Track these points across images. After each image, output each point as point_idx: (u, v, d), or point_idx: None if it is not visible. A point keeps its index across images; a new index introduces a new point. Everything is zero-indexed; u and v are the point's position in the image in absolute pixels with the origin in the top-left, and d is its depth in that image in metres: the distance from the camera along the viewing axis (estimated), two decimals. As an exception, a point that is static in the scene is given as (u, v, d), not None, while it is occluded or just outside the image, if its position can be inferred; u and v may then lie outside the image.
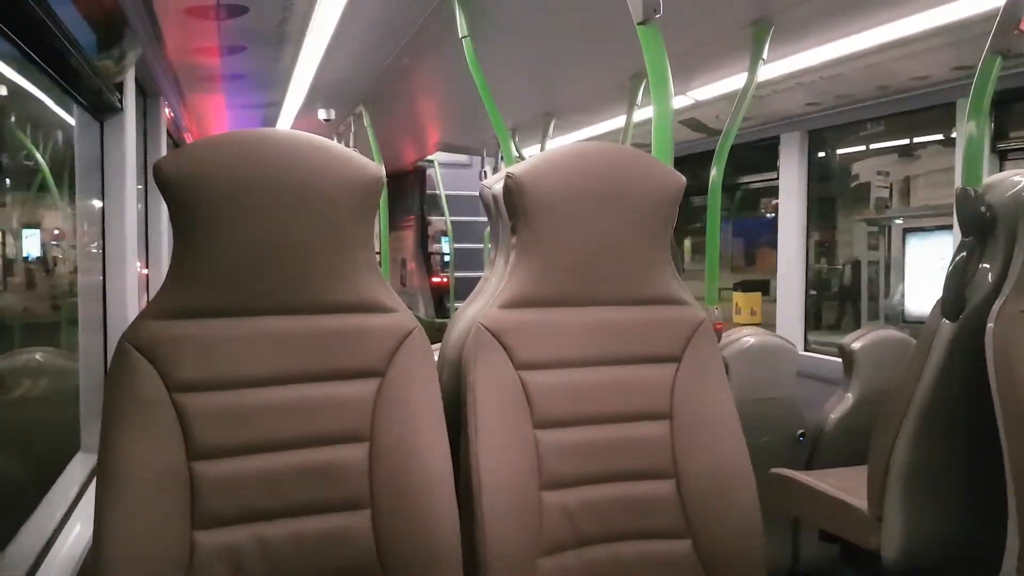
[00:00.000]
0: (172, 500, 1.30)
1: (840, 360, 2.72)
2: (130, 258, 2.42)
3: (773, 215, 3.97)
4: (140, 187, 3.04)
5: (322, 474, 1.39)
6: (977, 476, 1.91)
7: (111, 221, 2.39)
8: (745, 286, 4.53)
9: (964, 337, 1.83)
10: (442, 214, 7.26)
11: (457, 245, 7.26)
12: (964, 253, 1.87)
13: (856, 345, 2.64)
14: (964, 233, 1.89)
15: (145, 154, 3.23)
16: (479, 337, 1.53)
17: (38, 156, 2.74)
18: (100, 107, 2.30)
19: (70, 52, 1.79)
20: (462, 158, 7.26)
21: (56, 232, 2.38)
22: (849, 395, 2.64)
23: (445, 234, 7.65)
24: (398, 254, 8.08)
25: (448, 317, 6.86)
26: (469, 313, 1.70)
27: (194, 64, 3.44)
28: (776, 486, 2.30)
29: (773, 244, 3.91)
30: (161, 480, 1.29)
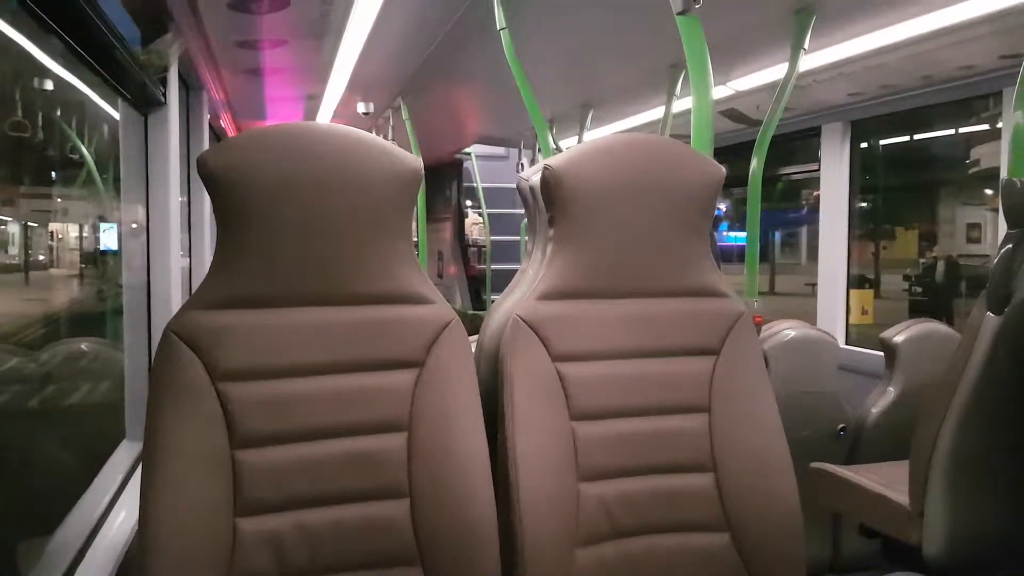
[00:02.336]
0: (215, 487, 1.32)
1: (882, 354, 2.68)
2: (173, 249, 2.46)
3: (864, 204, 3.79)
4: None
5: (362, 463, 1.40)
6: (1022, 471, 1.88)
7: (155, 213, 2.43)
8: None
9: (1009, 330, 1.80)
10: (479, 206, 7.27)
11: (494, 237, 7.27)
12: (1010, 245, 1.84)
13: (899, 338, 2.60)
14: (1010, 225, 1.85)
15: (188, 147, 3.28)
16: (516, 329, 1.54)
17: (83, 149, 2.79)
18: (144, 100, 2.34)
19: (115, 47, 1.82)
20: (499, 150, 7.27)
21: (134, 226, 2.43)
22: (891, 389, 2.60)
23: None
24: (435, 246, 8.11)
25: (485, 309, 6.89)
26: (506, 305, 1.70)
27: (236, 57, 3.48)
28: (816, 480, 2.28)
29: (861, 236, 3.69)
30: (205, 467, 1.31)
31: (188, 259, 3.44)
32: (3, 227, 2.30)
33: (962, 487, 1.88)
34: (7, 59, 2.00)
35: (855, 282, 3.98)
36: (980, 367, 1.83)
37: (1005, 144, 2.82)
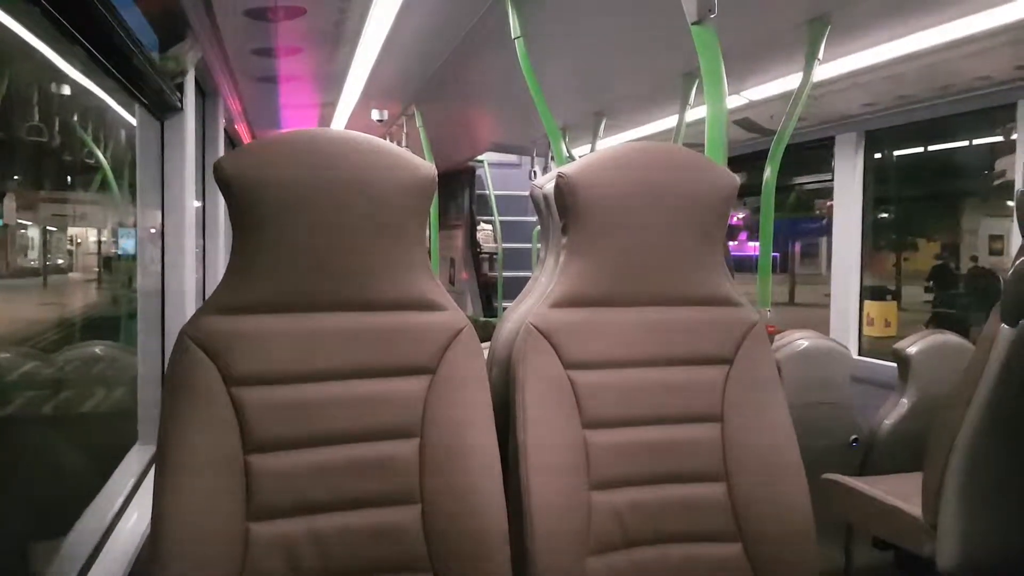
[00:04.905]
0: (228, 491, 1.32)
1: (894, 364, 2.67)
2: (188, 254, 2.47)
3: (885, 215, 3.72)
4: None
5: (374, 469, 1.41)
6: None
7: (170, 218, 2.44)
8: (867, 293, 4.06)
9: None
10: (491, 214, 7.29)
11: (506, 245, 7.28)
12: None
13: (912, 350, 2.59)
14: None
15: (203, 152, 3.30)
16: (528, 336, 1.54)
17: (99, 154, 2.81)
18: (161, 106, 2.36)
19: (133, 53, 1.84)
20: (511, 158, 7.28)
21: (151, 231, 2.45)
22: (904, 400, 2.59)
23: None
24: (447, 253, 8.13)
25: (496, 316, 6.89)
26: (519, 312, 1.71)
27: (252, 64, 3.50)
28: (829, 491, 2.27)
29: (884, 247, 3.61)
30: (218, 471, 1.32)
31: (202, 264, 3.46)
32: (23, 231, 2.32)
33: (976, 499, 1.87)
34: (25, 64, 2.02)
35: (878, 294, 3.93)
36: (994, 379, 1.82)
37: (1020, 156, 2.81)
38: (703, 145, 2.02)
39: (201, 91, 3.25)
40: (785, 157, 2.92)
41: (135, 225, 2.53)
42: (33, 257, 2.44)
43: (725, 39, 1.95)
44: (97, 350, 2.68)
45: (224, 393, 1.34)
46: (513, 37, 2.73)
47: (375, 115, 4.77)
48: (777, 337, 2.66)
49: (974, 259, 9.88)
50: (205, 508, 1.30)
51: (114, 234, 3.01)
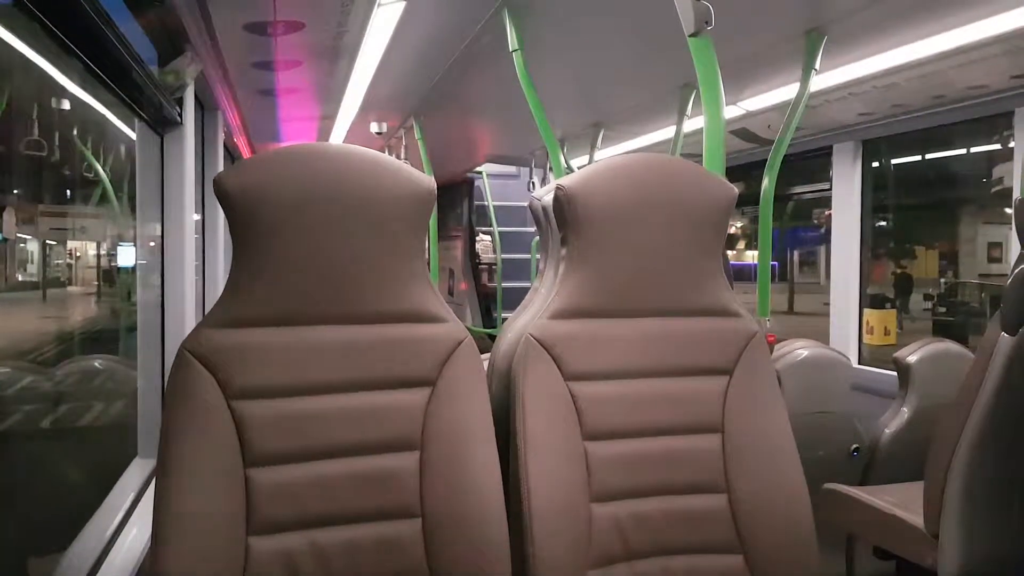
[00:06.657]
0: (228, 505, 1.32)
1: (895, 373, 2.67)
2: (188, 268, 2.47)
3: (883, 223, 3.71)
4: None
5: (374, 482, 1.41)
6: None
7: (170, 232, 2.44)
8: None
9: None
10: (490, 224, 7.30)
11: (505, 255, 7.29)
12: None
13: (912, 359, 2.59)
14: None
15: (203, 166, 3.30)
16: (528, 348, 1.54)
17: (99, 168, 2.82)
18: (160, 121, 2.36)
19: (133, 67, 1.84)
20: (510, 169, 7.30)
21: (150, 245, 2.45)
22: (905, 409, 2.59)
23: None
24: (446, 264, 8.14)
25: (495, 327, 6.89)
26: (519, 323, 1.70)
27: (251, 78, 3.51)
28: (830, 501, 2.27)
29: (883, 255, 3.61)
30: (218, 485, 1.31)
31: (202, 278, 3.46)
32: (23, 245, 2.32)
33: (978, 509, 1.87)
34: (25, 78, 2.03)
35: (877, 302, 3.91)
36: (995, 387, 1.81)
37: (1018, 163, 2.81)
38: (701, 155, 2.03)
39: (200, 105, 3.25)
40: (783, 166, 2.93)
41: (135, 239, 2.53)
42: (32, 271, 2.44)
43: (722, 50, 1.96)
44: (96, 363, 2.68)
45: (224, 407, 1.34)
46: (511, 50, 2.74)
47: (374, 128, 4.78)
48: (777, 347, 2.65)
49: (902, 266, 10.53)
50: (205, 522, 1.29)
51: (114, 248, 3.01)
